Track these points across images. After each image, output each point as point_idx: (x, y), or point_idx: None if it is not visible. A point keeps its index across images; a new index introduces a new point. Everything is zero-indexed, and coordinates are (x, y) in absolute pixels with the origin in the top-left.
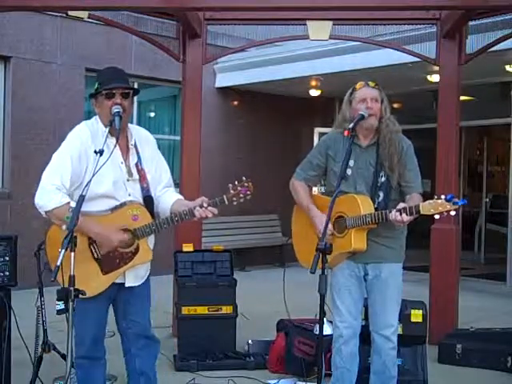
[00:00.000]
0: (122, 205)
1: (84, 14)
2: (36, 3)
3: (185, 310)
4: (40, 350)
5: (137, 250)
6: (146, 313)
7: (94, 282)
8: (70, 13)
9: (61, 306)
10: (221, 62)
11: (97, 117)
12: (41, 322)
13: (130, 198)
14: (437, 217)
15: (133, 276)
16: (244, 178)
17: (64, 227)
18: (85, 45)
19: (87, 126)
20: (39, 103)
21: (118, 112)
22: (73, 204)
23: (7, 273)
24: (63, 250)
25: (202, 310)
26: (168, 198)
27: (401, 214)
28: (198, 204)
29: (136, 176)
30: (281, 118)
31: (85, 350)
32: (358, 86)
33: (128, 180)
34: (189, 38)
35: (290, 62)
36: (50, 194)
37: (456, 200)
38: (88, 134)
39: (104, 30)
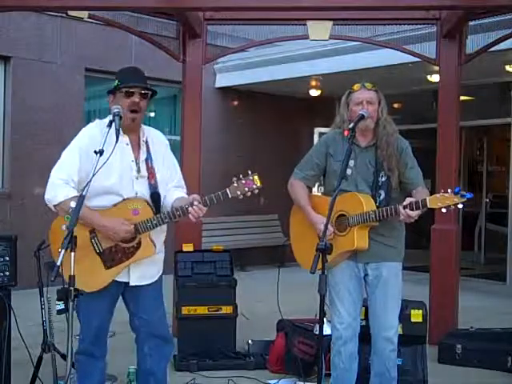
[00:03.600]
0: (124, 200)
1: (84, 14)
2: (36, 3)
3: (185, 310)
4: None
5: (139, 244)
6: (157, 312)
7: (97, 277)
8: (70, 13)
9: (61, 305)
10: (221, 62)
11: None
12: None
13: (137, 196)
14: (444, 210)
15: (138, 275)
16: (249, 172)
17: (64, 227)
18: (85, 45)
19: (98, 123)
20: (39, 103)
21: (118, 112)
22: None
23: (7, 273)
24: (63, 250)
25: (201, 310)
26: (171, 195)
27: (408, 209)
28: (189, 202)
29: (144, 173)
30: (281, 118)
31: (84, 346)
32: (355, 87)
33: (137, 178)
34: (189, 38)
35: (290, 62)
36: (57, 188)
37: (464, 193)
38: (97, 131)
39: (104, 30)
